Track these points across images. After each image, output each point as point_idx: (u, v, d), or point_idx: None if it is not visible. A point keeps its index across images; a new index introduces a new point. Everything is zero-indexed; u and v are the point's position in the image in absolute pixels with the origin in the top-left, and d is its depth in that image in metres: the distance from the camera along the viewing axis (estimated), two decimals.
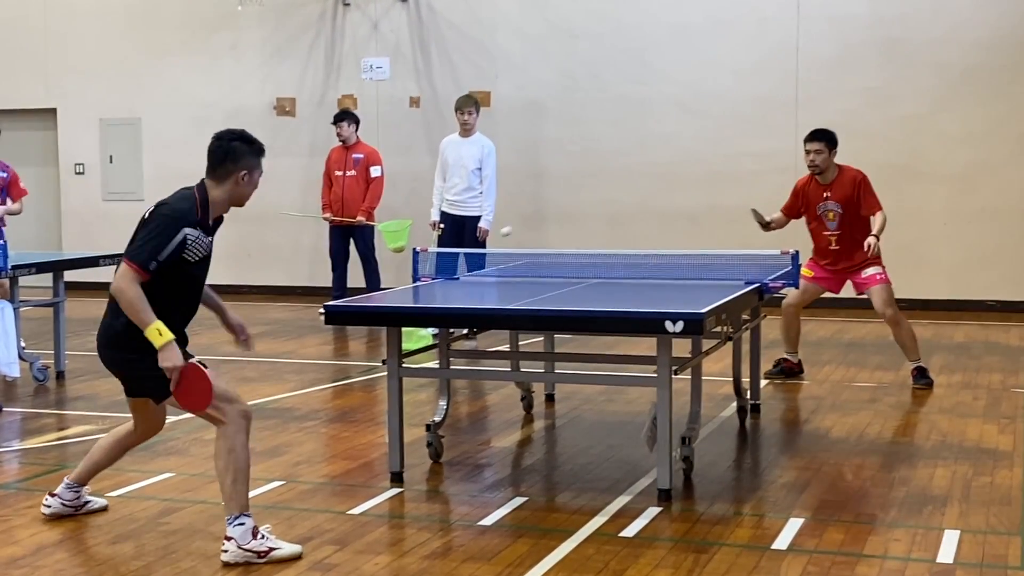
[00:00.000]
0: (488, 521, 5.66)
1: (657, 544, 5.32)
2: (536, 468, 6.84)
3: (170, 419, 7.86)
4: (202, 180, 5.35)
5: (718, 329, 6.67)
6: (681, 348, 6.74)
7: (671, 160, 13.82)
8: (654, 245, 12.05)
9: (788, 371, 9.16)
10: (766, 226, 9.14)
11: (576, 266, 8.30)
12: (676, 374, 5.94)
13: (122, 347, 5.23)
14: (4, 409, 8.20)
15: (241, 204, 5.43)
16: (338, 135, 12.73)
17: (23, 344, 9.22)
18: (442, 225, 11.45)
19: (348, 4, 15.03)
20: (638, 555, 5.15)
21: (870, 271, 8.90)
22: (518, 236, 13.81)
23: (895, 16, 13.23)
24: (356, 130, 12.78)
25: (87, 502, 5.81)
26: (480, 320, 6.37)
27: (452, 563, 5.10)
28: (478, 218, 11.36)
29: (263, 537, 5.12)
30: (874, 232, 8.65)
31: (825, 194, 8.77)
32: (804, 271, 8.65)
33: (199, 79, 15.68)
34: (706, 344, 6.86)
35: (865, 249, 8.70)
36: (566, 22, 14.28)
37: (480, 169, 11.38)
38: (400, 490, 6.20)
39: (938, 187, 13.23)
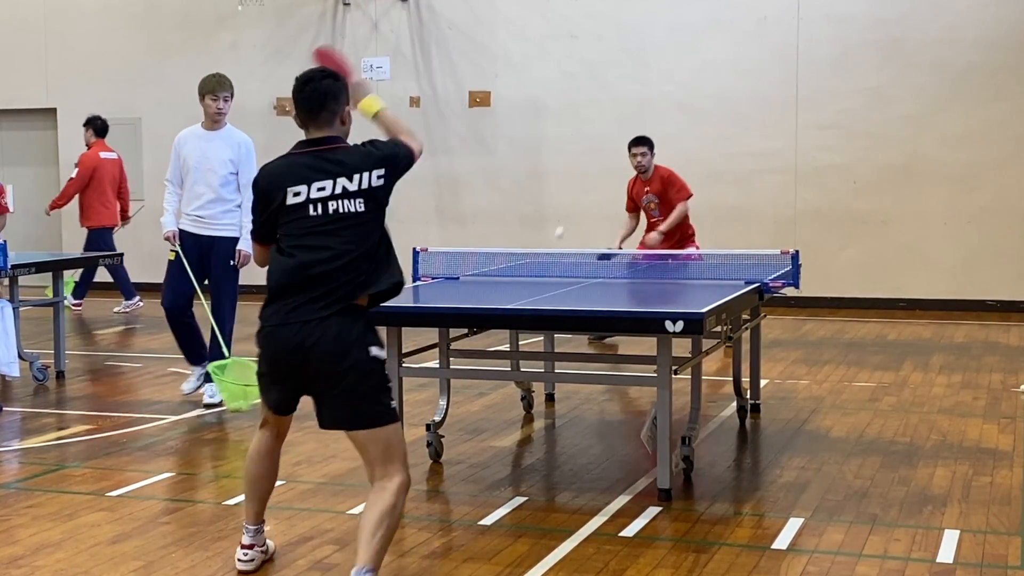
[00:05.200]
0: (488, 521, 5.66)
1: (657, 544, 5.32)
2: (536, 468, 6.84)
3: (170, 419, 7.89)
4: (323, 138, 4.72)
5: (718, 329, 6.67)
6: (681, 348, 6.74)
7: (671, 160, 13.77)
8: None
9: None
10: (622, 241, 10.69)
11: (576, 266, 8.30)
12: (676, 374, 5.94)
13: (364, 363, 4.60)
14: (4, 409, 8.19)
15: None
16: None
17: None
18: (176, 248, 8.36)
19: (348, 4, 15.04)
20: (638, 555, 5.15)
21: (688, 251, 10.11)
22: (518, 236, 13.85)
23: (895, 16, 13.24)
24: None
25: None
26: (480, 320, 6.36)
27: (452, 563, 5.09)
28: (231, 239, 8.30)
29: None
30: (661, 228, 10.43)
31: (646, 189, 10.61)
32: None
33: (199, 79, 15.64)
34: (706, 344, 6.86)
35: (649, 243, 10.40)
36: (566, 22, 14.28)
37: (235, 174, 8.36)
38: None
39: (938, 187, 13.23)
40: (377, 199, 4.68)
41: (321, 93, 4.73)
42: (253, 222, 4.85)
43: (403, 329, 6.33)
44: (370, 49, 15.00)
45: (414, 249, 7.78)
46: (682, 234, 10.63)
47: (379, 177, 4.67)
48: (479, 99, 14.64)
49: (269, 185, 4.73)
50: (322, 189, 4.63)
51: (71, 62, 16.08)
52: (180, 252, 8.28)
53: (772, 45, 13.57)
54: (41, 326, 11.02)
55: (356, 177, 4.65)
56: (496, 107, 14.56)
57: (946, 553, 5.15)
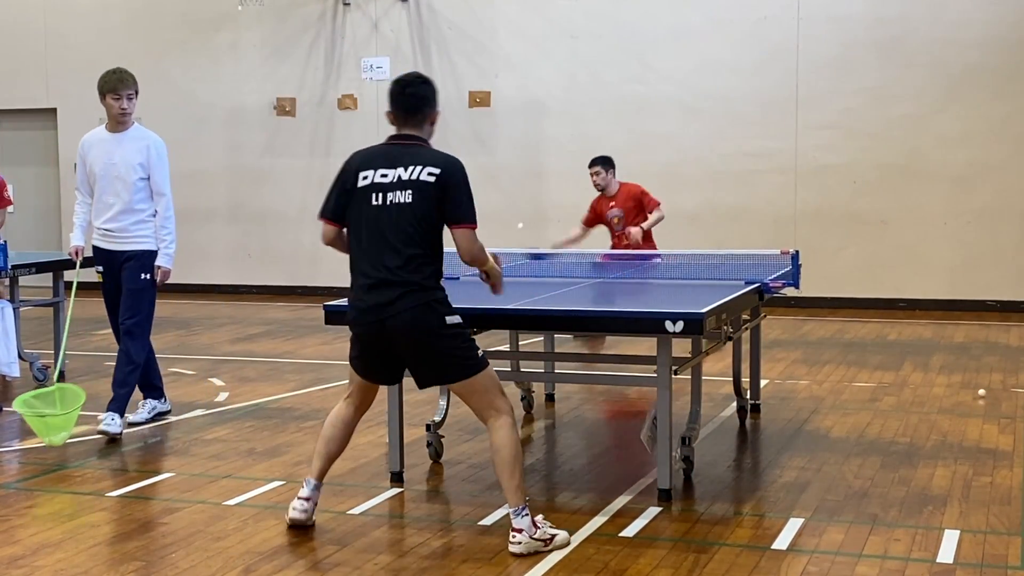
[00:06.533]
0: (488, 521, 5.66)
1: (657, 544, 5.32)
2: (536, 468, 6.84)
3: (170, 419, 7.90)
4: (407, 135, 5.34)
5: (718, 329, 6.67)
6: (681, 348, 6.74)
7: (671, 160, 13.82)
8: None
9: None
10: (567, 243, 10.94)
11: (576, 266, 8.30)
12: (676, 374, 5.94)
13: (442, 324, 5.16)
14: (4, 409, 8.19)
15: None
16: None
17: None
18: (98, 269, 7.62)
19: (348, 4, 15.04)
20: (638, 555, 5.15)
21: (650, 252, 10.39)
22: (518, 236, 13.84)
23: (895, 16, 13.24)
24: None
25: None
26: (480, 320, 6.36)
27: (452, 563, 5.10)
28: (148, 253, 7.51)
29: (540, 526, 5.20)
30: (643, 225, 10.80)
31: (611, 204, 10.98)
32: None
33: (199, 79, 15.69)
34: (706, 344, 6.86)
35: (633, 237, 10.76)
36: (566, 22, 14.28)
37: (146, 179, 7.50)
38: (400, 490, 6.20)
39: (938, 187, 13.24)
40: (426, 192, 5.12)
41: (418, 97, 5.33)
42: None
43: None
44: (370, 49, 15.00)
45: None
46: (647, 240, 10.97)
47: (431, 174, 5.14)
48: (479, 99, 14.65)
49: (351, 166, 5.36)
50: (385, 176, 5.20)
51: (71, 62, 16.08)
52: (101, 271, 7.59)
53: (772, 45, 13.58)
54: (41, 326, 11.03)
55: (413, 169, 5.17)
56: (496, 107, 14.56)
57: (946, 553, 5.15)
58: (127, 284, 7.48)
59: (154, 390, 7.92)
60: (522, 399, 8.10)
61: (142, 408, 7.85)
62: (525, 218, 14.38)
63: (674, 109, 13.91)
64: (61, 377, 7.61)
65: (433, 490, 6.32)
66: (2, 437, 7.52)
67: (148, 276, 7.49)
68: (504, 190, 14.52)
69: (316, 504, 5.59)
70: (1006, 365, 9.76)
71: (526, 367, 7.82)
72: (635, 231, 10.75)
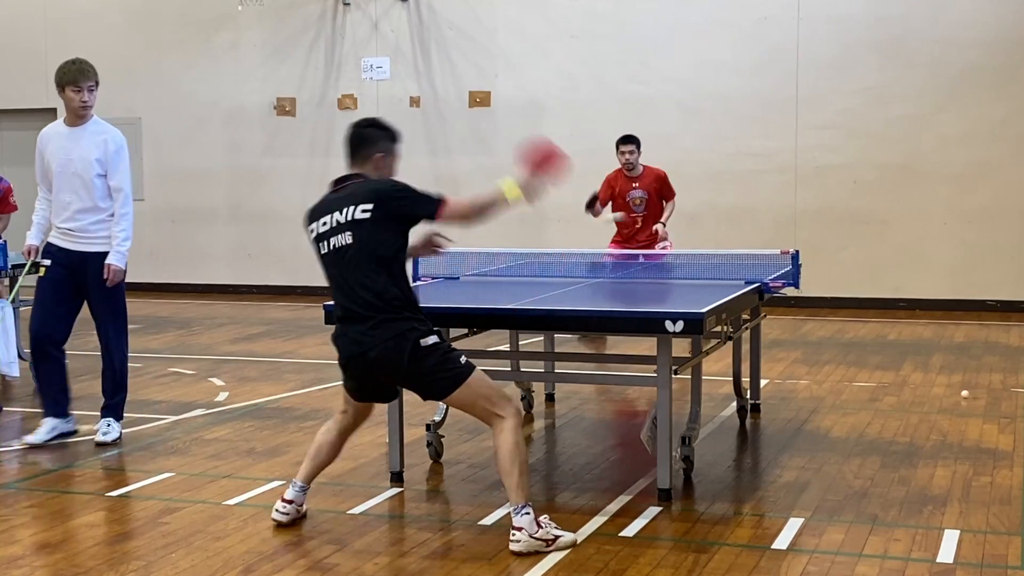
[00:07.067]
0: (488, 521, 5.66)
1: (657, 544, 5.32)
2: (536, 468, 6.84)
3: (170, 419, 7.90)
4: (350, 175, 5.46)
5: (718, 329, 6.67)
6: (681, 348, 6.74)
7: (671, 160, 13.78)
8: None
9: None
10: (592, 206, 11.03)
11: (576, 266, 8.30)
12: (676, 374, 5.94)
13: (417, 348, 5.24)
14: (4, 409, 8.19)
15: None
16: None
17: None
18: (46, 262, 7.26)
19: (348, 4, 15.04)
20: (638, 555, 5.15)
21: (662, 245, 10.66)
22: (518, 236, 13.85)
23: (895, 16, 13.24)
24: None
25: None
26: (480, 320, 6.36)
27: (452, 563, 5.09)
28: (106, 254, 7.13)
29: (544, 526, 5.27)
30: (662, 220, 10.85)
31: (634, 185, 10.89)
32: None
33: (199, 79, 15.69)
34: (706, 344, 6.86)
35: (655, 232, 10.79)
36: (566, 22, 14.29)
37: (104, 176, 7.15)
38: (400, 490, 6.20)
39: (938, 187, 13.24)
40: (363, 229, 5.23)
41: (357, 138, 5.46)
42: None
43: None
44: (370, 49, 15.00)
45: None
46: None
47: (363, 211, 5.23)
48: (479, 99, 14.65)
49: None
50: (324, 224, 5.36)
51: None
52: (47, 267, 7.20)
53: (772, 45, 13.58)
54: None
55: (346, 210, 5.28)
56: (496, 107, 14.56)
57: (946, 553, 5.15)
58: (95, 293, 7.13)
59: (58, 406, 7.29)
60: (522, 399, 8.10)
61: (42, 427, 7.26)
62: (525, 218, 14.37)
63: (674, 109, 13.91)
64: None
65: (433, 490, 6.33)
66: (2, 437, 7.52)
67: (107, 280, 7.11)
68: None
69: (300, 508, 5.65)
70: (1006, 365, 9.76)
71: (526, 367, 7.82)
72: (663, 229, 10.76)
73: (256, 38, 15.43)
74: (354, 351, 5.33)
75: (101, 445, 7.19)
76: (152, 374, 9.67)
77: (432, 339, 5.29)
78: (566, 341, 10.41)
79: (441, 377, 5.28)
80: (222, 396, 8.71)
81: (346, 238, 5.27)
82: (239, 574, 4.98)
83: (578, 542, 5.29)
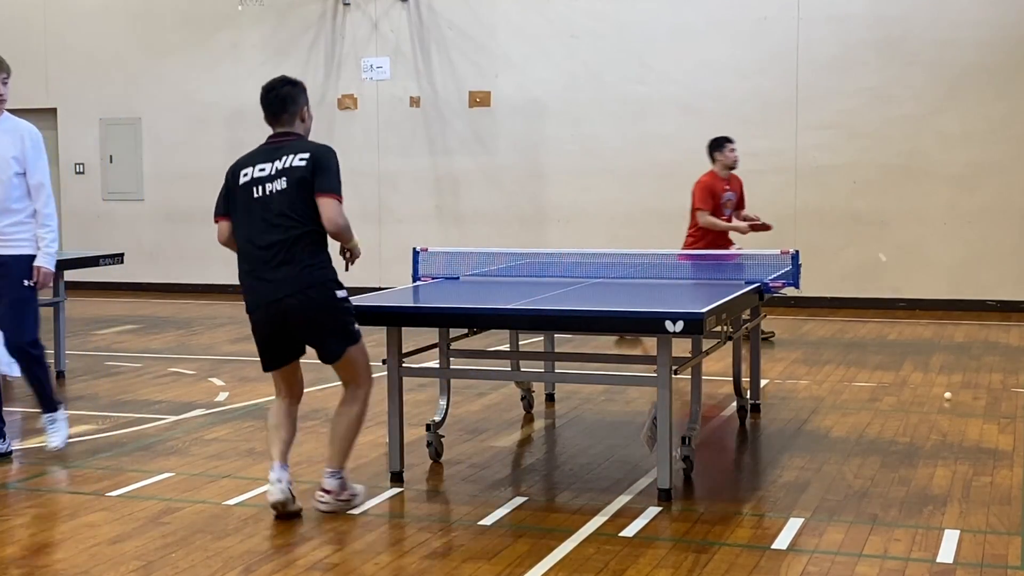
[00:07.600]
0: (488, 521, 5.66)
1: (657, 544, 5.32)
2: (536, 468, 6.84)
3: (170, 419, 7.90)
4: (282, 132, 5.75)
5: (718, 329, 6.66)
6: (681, 348, 6.74)
7: (671, 160, 13.82)
8: (654, 245, 12.05)
9: None
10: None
11: (576, 266, 8.30)
12: (676, 374, 5.94)
13: (334, 299, 5.58)
14: (4, 409, 8.18)
15: None
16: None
17: None
18: None
19: (348, 4, 15.04)
20: (638, 555, 5.15)
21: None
22: (518, 236, 13.85)
23: (895, 16, 13.24)
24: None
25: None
26: (480, 320, 6.36)
27: (452, 563, 5.10)
28: (27, 258, 6.65)
29: (348, 488, 5.74)
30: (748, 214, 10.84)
31: (726, 187, 10.78)
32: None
33: (199, 79, 15.69)
34: (706, 344, 6.86)
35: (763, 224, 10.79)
36: (566, 22, 14.29)
37: (22, 174, 6.68)
38: (400, 490, 6.20)
39: (938, 187, 13.24)
40: (296, 174, 5.53)
41: (281, 98, 5.80)
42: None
43: (403, 329, 6.33)
44: (370, 49, 15.00)
45: (414, 249, 7.78)
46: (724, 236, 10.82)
47: (301, 159, 5.56)
48: (479, 99, 14.65)
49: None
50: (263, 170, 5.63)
51: (71, 62, 16.09)
52: None
53: (772, 45, 13.58)
54: (41, 326, 11.00)
55: (285, 158, 5.59)
56: (496, 107, 14.56)
57: (946, 553, 5.15)
58: (8, 295, 6.61)
59: None
60: (522, 399, 8.10)
61: None
62: (525, 218, 14.41)
63: (674, 109, 13.91)
64: None
65: (433, 490, 6.32)
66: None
67: (29, 283, 6.64)
68: (504, 190, 14.53)
69: (291, 483, 5.71)
70: (1006, 365, 9.76)
71: (526, 367, 7.82)
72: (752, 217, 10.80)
73: (256, 38, 15.43)
74: (272, 298, 5.58)
75: (54, 448, 6.94)
76: (152, 374, 9.67)
77: (343, 292, 5.62)
78: (566, 341, 10.40)
79: (340, 330, 5.61)
80: (222, 396, 8.70)
81: (282, 183, 5.55)
82: (239, 574, 4.98)
83: (366, 492, 5.83)
